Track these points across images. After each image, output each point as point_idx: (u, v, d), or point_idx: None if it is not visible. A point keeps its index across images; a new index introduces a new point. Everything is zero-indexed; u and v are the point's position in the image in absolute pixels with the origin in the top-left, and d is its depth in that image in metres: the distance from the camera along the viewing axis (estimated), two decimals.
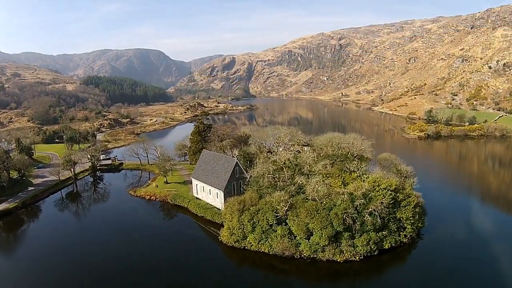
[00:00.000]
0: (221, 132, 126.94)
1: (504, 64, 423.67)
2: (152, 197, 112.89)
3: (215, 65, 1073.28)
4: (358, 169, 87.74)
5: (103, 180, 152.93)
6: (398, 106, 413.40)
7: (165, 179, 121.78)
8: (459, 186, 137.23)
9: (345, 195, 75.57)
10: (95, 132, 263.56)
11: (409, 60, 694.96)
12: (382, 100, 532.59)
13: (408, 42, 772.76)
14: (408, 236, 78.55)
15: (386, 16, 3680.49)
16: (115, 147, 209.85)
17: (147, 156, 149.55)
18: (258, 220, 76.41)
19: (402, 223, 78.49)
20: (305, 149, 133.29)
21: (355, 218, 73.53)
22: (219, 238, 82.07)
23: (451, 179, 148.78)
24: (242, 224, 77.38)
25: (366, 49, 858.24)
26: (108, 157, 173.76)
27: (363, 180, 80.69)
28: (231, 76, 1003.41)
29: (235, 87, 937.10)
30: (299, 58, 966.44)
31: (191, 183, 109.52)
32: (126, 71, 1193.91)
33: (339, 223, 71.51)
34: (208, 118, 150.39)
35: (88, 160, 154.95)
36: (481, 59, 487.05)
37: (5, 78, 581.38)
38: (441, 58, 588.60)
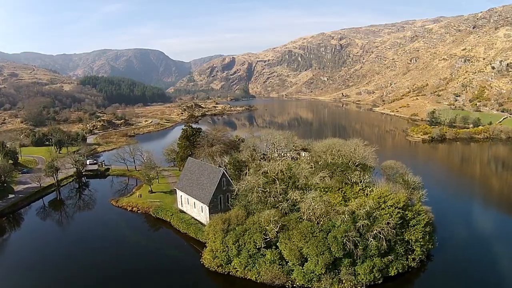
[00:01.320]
0: (211, 136, 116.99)
1: (507, 64, 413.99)
2: (134, 209, 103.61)
3: (214, 65, 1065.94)
4: (361, 181, 78.06)
5: (88, 187, 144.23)
6: (400, 107, 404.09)
7: (149, 188, 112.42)
8: (470, 195, 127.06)
9: (346, 215, 65.83)
10: (86, 135, 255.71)
11: (411, 60, 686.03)
12: (383, 100, 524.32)
13: (409, 42, 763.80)
14: (417, 259, 68.54)
15: (387, 17, 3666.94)
16: (105, 151, 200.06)
17: (134, 162, 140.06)
18: (245, 243, 66.33)
19: (411, 245, 68.57)
20: (303, 154, 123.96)
21: (357, 242, 63.59)
22: (201, 260, 72.35)
23: (460, 187, 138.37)
24: (227, 246, 67.56)
25: (367, 49, 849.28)
26: (95, 161, 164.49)
27: (367, 195, 70.95)
28: (231, 76, 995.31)
29: (235, 88, 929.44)
30: (299, 58, 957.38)
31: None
32: (125, 71, 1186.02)
33: (339, 248, 61.51)
34: (197, 122, 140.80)
35: (72, 166, 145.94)
36: (483, 59, 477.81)
37: (2, 78, 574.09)
38: (443, 58, 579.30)
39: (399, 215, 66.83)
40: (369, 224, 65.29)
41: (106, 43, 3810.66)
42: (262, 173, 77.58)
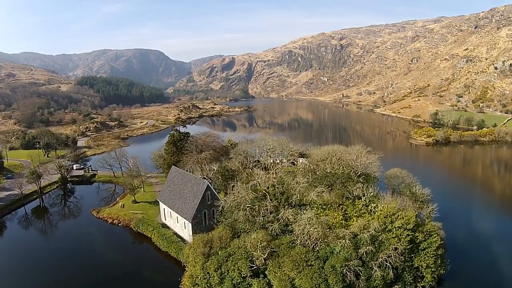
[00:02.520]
0: (200, 142, 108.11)
1: (510, 64, 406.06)
2: (115, 221, 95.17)
3: (214, 65, 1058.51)
4: (364, 195, 69.17)
5: (74, 194, 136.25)
6: (402, 108, 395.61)
7: (133, 198, 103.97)
8: (482, 205, 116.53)
9: (347, 239, 56.65)
10: (79, 137, 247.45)
11: (412, 61, 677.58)
12: (384, 101, 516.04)
13: (410, 42, 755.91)
14: (427, 287, 59.80)
15: (387, 17, 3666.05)
16: (94, 154, 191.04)
17: (120, 168, 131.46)
18: (228, 270, 57.32)
19: (420, 272, 59.69)
20: (300, 160, 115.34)
21: (359, 272, 54.53)
22: (180, 286, 63.58)
23: (471, 196, 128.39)
24: (208, 273, 58.73)
25: (367, 49, 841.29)
26: (82, 166, 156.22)
27: (371, 211, 62.03)
28: (231, 77, 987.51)
29: (235, 88, 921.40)
30: (299, 59, 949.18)
31: None
32: (125, 71, 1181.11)
33: (337, 280, 52.42)
34: (185, 126, 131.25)
35: (56, 172, 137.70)
36: (486, 59, 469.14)
37: None
38: (445, 59, 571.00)
39: (408, 238, 57.92)
40: (374, 250, 56.14)
41: (106, 43, 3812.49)
42: (251, 187, 68.44)
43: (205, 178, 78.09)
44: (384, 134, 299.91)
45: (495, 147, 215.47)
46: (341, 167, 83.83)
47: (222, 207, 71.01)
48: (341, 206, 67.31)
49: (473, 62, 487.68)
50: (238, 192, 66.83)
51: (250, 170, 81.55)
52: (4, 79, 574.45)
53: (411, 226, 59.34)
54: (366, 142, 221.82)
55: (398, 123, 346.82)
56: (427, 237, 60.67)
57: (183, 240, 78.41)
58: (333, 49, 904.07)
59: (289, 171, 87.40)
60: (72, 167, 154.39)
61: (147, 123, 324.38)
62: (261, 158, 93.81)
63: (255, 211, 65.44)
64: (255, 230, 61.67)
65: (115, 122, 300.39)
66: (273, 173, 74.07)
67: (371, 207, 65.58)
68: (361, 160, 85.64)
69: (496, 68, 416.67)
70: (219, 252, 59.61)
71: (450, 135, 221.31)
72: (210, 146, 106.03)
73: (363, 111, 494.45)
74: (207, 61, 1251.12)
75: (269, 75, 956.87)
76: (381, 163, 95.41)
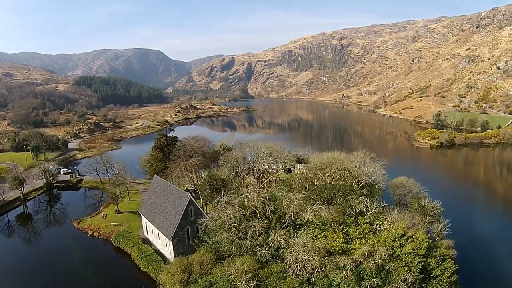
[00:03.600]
0: (189, 147, 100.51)
1: None
2: (95, 233, 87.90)
3: (214, 65, 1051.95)
4: (368, 211, 61.73)
5: (60, 200, 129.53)
6: (403, 109, 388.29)
7: (116, 208, 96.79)
8: (496, 216, 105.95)
9: (348, 269, 48.45)
10: (71, 138, 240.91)
11: (413, 61, 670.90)
12: (385, 101, 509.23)
13: (411, 42, 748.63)
14: None
15: (387, 18, 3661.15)
16: (85, 157, 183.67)
17: (107, 173, 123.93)
18: None
19: None
20: (298, 166, 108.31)
21: None
22: None
23: (483, 205, 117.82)
24: None
25: (368, 49, 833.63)
26: (69, 171, 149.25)
27: (376, 231, 54.48)
28: (230, 77, 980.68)
29: (234, 88, 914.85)
30: (299, 58, 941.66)
31: None
32: (125, 71, 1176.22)
33: None
34: (172, 130, 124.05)
35: (41, 177, 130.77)
36: (488, 59, 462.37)
37: None
38: (446, 58, 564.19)
39: (420, 266, 50.11)
40: (380, 283, 47.97)
41: (106, 43, 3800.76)
42: (238, 202, 60.48)
43: (188, 191, 70.17)
44: (386, 136, 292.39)
45: (500, 150, 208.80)
46: (342, 178, 75.68)
47: (206, 225, 62.84)
48: (342, 225, 58.82)
49: (475, 62, 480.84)
50: (223, 209, 58.98)
51: (241, 179, 74.11)
52: (1, 79, 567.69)
53: (423, 252, 51.56)
54: (367, 145, 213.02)
55: (400, 124, 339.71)
56: (440, 263, 53.07)
57: (164, 259, 70.82)
58: (334, 49, 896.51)
59: (284, 181, 79.43)
60: (59, 171, 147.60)
61: (142, 124, 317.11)
62: (254, 165, 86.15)
63: (242, 232, 56.98)
64: (242, 254, 54.06)
65: (110, 123, 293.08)
66: (264, 185, 66.40)
67: (376, 225, 57.67)
68: (364, 169, 77.57)
69: (498, 68, 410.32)
70: (199, 280, 52.19)
71: (455, 137, 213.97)
72: (199, 151, 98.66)
73: (364, 111, 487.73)
74: (207, 61, 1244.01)
75: (269, 75, 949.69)
76: (385, 170, 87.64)
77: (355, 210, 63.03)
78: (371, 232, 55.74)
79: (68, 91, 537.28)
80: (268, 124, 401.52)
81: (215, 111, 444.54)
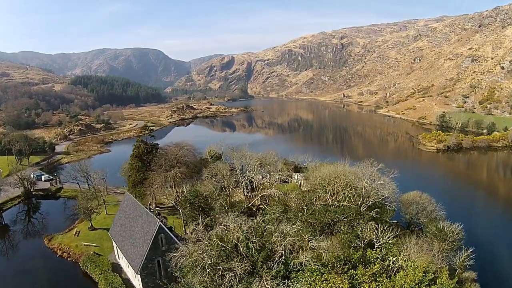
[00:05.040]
0: (172, 156, 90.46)
1: None
2: (64, 254, 78.07)
3: (213, 64, 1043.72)
4: (379, 240, 51.61)
5: (39, 210, 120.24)
6: (406, 109, 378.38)
7: (90, 224, 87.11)
8: None
9: None
10: (60, 141, 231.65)
11: (414, 60, 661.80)
12: (387, 101, 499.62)
13: (412, 41, 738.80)
14: None
15: (388, 18, 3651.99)
16: (70, 161, 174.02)
17: (87, 181, 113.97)
18: None
19: None
20: (296, 176, 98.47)
21: None
22: None
23: (504, 221, 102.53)
24: None
25: (368, 49, 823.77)
26: (51, 177, 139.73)
27: (390, 272, 44.61)
28: (230, 76, 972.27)
29: (234, 87, 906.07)
30: (299, 58, 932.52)
31: None
32: (124, 71, 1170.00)
33: None
34: (153, 136, 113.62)
35: (18, 185, 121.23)
36: (492, 59, 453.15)
37: None
38: (449, 58, 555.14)
39: None
40: None
41: (106, 43, 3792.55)
42: (216, 234, 48.82)
43: (159, 214, 59.51)
44: (389, 138, 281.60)
45: (509, 154, 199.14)
46: (346, 197, 64.70)
47: (173, 266, 50.28)
48: (346, 263, 46.54)
49: (479, 61, 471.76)
50: (199, 240, 48.40)
51: (228, 196, 64.28)
52: None
53: None
54: (370, 149, 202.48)
55: (403, 125, 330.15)
56: None
57: None
58: (334, 48, 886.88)
59: (279, 199, 68.32)
60: (41, 177, 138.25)
61: (136, 125, 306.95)
62: (245, 176, 76.28)
63: (218, 276, 44.56)
64: None
65: (102, 124, 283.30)
66: (255, 203, 56.06)
67: (389, 262, 46.84)
68: (372, 184, 66.62)
69: (502, 68, 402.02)
70: None
71: (462, 140, 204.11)
72: (182, 161, 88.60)
73: (365, 111, 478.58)
74: (207, 61, 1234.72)
75: (269, 74, 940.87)
76: (390, 174, 76.54)
77: (363, 240, 52.68)
78: (383, 274, 45.15)
79: (64, 91, 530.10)
80: (268, 124, 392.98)
81: (213, 111, 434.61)
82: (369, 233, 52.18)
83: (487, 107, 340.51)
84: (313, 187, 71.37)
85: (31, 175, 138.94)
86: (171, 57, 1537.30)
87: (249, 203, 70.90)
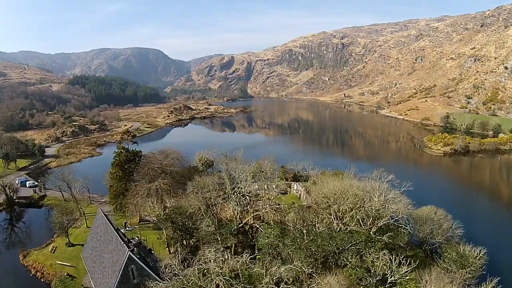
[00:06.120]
0: (156, 165, 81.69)
1: None
2: (38, 273, 70.17)
3: (213, 64, 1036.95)
4: (394, 275, 43.03)
5: (22, 219, 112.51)
6: (409, 110, 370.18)
7: (67, 240, 79.15)
8: None
9: None
10: (52, 143, 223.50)
11: (416, 60, 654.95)
12: (389, 102, 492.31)
13: (414, 41, 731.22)
14: None
15: (388, 17, 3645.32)
16: (59, 165, 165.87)
17: (70, 190, 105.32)
18: None
19: None
20: (295, 187, 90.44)
21: None
22: None
23: None
24: None
25: (369, 48, 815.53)
26: (35, 183, 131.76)
27: None
28: (230, 76, 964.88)
29: (233, 87, 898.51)
30: (300, 58, 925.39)
31: None
32: (124, 70, 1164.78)
33: None
34: (136, 142, 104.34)
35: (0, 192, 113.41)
36: (495, 58, 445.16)
37: None
38: (451, 58, 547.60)
39: None
40: None
41: (106, 43, 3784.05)
42: (193, 273, 40.64)
43: (130, 242, 50.32)
44: (393, 141, 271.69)
45: None
46: (354, 219, 55.78)
47: None
48: None
49: (481, 61, 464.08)
50: (172, 279, 40.24)
51: (215, 214, 55.99)
52: None
53: None
54: (374, 153, 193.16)
55: (407, 127, 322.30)
56: None
57: None
58: (335, 48, 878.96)
59: (275, 223, 59.14)
60: (25, 183, 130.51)
61: (132, 126, 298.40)
62: (237, 186, 67.89)
63: None
64: None
65: (96, 126, 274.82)
66: (248, 221, 47.70)
67: None
68: (383, 202, 57.21)
69: (506, 68, 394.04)
70: None
71: (469, 143, 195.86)
72: (168, 170, 79.99)
73: (366, 112, 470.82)
74: (206, 60, 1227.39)
75: (269, 74, 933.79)
76: (397, 182, 67.74)
77: (375, 275, 44.28)
78: None
79: (61, 91, 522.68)
80: (268, 124, 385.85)
81: (211, 112, 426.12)
82: (381, 265, 43.69)
83: (491, 108, 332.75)
84: (315, 203, 62.66)
85: (16, 181, 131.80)
86: (171, 57, 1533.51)
87: (241, 223, 62.80)
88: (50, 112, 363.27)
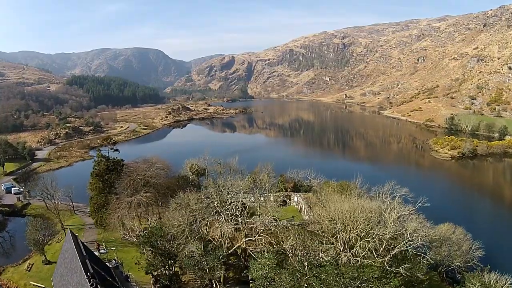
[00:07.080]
0: (138, 175, 74.49)
1: None
2: None
3: (213, 64, 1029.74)
4: None
5: (6, 228, 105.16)
6: (412, 111, 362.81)
7: (43, 257, 71.90)
8: None
9: None
10: (45, 145, 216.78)
11: (418, 60, 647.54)
12: (391, 102, 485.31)
13: (415, 40, 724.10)
14: None
15: (389, 17, 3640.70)
16: (49, 170, 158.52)
17: (53, 198, 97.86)
18: None
19: None
20: (296, 199, 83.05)
21: None
22: None
23: None
24: None
25: (371, 48, 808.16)
26: (20, 190, 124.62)
27: None
28: (230, 76, 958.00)
29: (234, 88, 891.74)
30: (300, 58, 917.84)
31: None
32: (124, 71, 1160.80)
33: None
34: (117, 150, 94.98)
35: None
36: (498, 59, 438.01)
37: None
38: (453, 58, 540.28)
39: None
40: None
41: (106, 43, 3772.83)
42: None
43: (93, 277, 42.56)
44: (397, 143, 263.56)
45: None
46: (365, 249, 47.47)
47: None
48: None
49: (485, 61, 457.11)
50: None
51: (203, 233, 48.79)
52: None
53: None
54: (379, 157, 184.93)
55: (410, 128, 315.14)
56: None
57: None
58: (336, 48, 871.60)
59: (272, 247, 51.28)
60: (10, 190, 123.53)
61: (128, 127, 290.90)
62: (227, 199, 60.16)
63: None
64: None
65: (90, 127, 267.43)
66: (241, 244, 40.19)
67: None
68: (402, 230, 48.79)
69: (510, 68, 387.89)
70: None
71: (477, 146, 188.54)
72: (151, 181, 72.00)
73: (368, 113, 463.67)
74: (207, 60, 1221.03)
75: (270, 74, 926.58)
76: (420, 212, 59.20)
77: None
78: None
79: (59, 91, 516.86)
80: (268, 125, 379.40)
81: (210, 112, 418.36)
82: None
83: (495, 109, 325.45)
84: (318, 225, 54.57)
85: (2, 187, 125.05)
86: (171, 57, 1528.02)
87: (232, 246, 55.30)
88: (46, 113, 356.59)
